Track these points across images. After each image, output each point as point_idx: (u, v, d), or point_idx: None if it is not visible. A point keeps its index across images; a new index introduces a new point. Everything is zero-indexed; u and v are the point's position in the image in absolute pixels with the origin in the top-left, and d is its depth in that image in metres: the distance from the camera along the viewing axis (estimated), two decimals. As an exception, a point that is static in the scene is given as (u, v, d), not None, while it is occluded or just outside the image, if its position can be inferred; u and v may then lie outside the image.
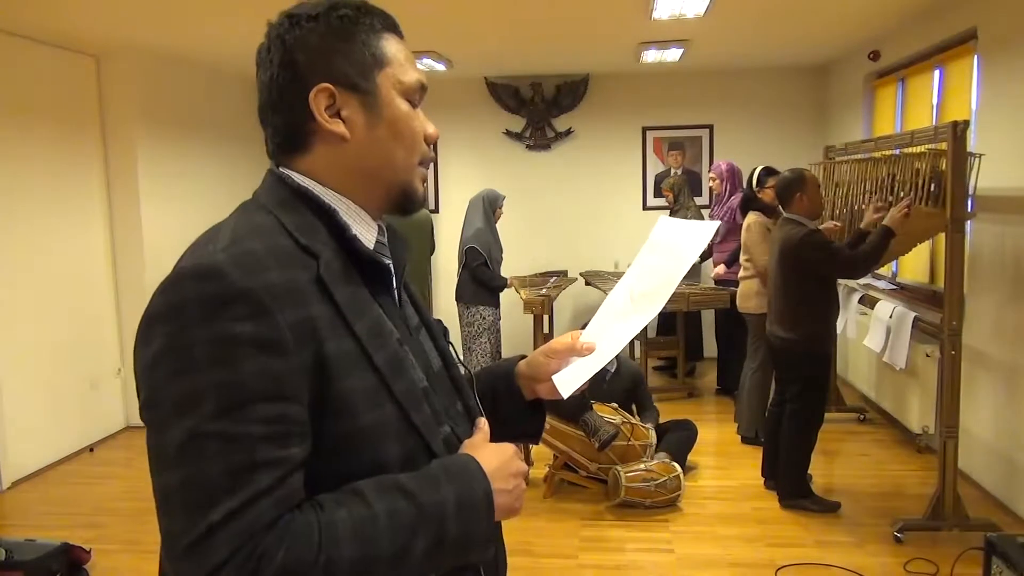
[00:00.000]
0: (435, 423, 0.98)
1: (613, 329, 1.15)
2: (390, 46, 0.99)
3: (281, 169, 0.99)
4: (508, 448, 1.00)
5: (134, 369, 0.89)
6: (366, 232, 1.00)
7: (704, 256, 5.93)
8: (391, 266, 1.03)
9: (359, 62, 0.96)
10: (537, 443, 1.33)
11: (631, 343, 5.41)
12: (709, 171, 5.63)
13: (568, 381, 1.12)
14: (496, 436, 1.05)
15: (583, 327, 1.19)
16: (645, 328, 5.89)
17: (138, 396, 0.89)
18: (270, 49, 0.96)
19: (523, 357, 1.21)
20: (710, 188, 6.08)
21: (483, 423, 1.06)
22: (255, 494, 0.79)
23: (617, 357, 4.53)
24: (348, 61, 0.95)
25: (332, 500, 0.85)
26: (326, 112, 0.94)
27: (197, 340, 0.81)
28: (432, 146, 1.04)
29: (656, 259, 1.19)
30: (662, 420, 4.48)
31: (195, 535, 0.78)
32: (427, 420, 0.96)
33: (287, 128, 0.97)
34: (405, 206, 1.03)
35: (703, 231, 1.18)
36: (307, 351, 0.85)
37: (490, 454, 0.97)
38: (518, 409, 1.19)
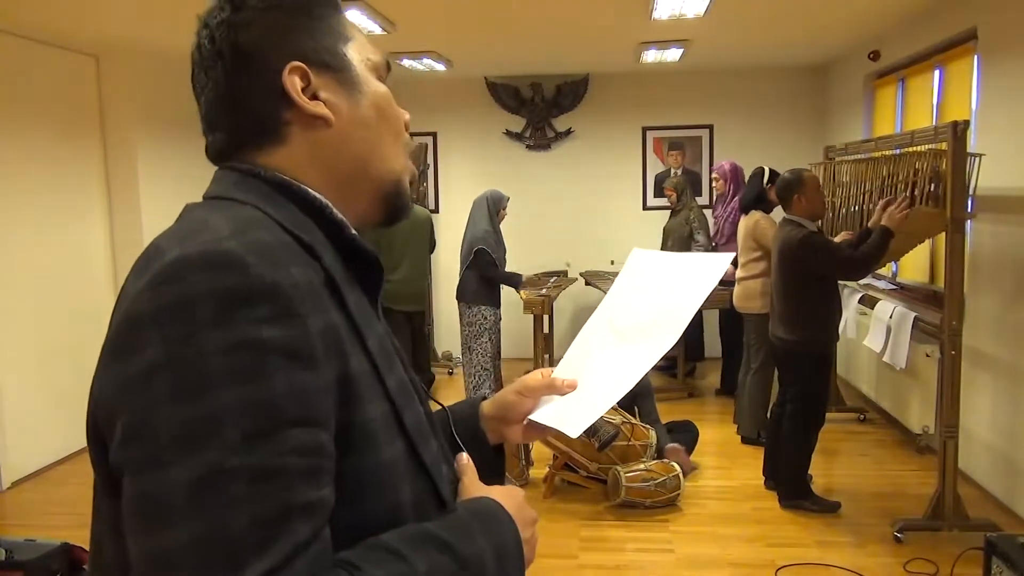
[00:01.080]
0: (440, 461, 0.85)
1: (600, 364, 1.04)
2: (345, 20, 0.86)
3: (247, 164, 0.80)
4: (519, 493, 0.89)
5: (100, 393, 0.68)
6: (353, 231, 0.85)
7: None
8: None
9: (323, 37, 0.82)
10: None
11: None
12: (712, 171, 5.62)
13: (560, 419, 1.00)
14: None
15: (554, 364, 1.08)
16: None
17: (96, 428, 0.69)
18: (214, 39, 0.79)
19: (484, 398, 1.06)
20: (712, 188, 6.08)
21: (465, 458, 0.92)
22: (292, 551, 0.62)
23: None
24: (313, 37, 0.81)
25: (363, 559, 0.68)
26: (303, 93, 0.79)
27: (211, 347, 0.62)
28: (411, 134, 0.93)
29: (645, 295, 1.08)
30: (664, 422, 4.48)
31: None
32: (435, 459, 0.82)
33: (251, 124, 0.80)
34: (396, 207, 0.87)
35: (715, 265, 1.05)
36: (333, 367, 0.69)
37: (503, 497, 0.85)
38: (481, 455, 1.00)
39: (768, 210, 4.75)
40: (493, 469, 1.03)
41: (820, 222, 4.01)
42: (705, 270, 1.06)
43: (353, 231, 0.82)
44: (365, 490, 0.73)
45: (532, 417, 1.02)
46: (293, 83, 0.78)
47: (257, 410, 0.62)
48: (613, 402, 1.00)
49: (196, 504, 0.60)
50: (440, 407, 1.03)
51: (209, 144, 0.83)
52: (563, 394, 1.02)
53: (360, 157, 0.83)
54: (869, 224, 3.82)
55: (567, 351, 1.09)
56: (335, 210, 0.81)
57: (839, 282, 3.89)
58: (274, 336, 0.64)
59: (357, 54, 0.84)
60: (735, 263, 4.81)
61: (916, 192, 3.63)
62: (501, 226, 5.31)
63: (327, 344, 0.69)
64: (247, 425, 0.62)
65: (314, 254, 0.75)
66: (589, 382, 1.03)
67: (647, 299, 1.07)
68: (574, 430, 0.97)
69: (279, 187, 0.79)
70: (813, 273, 3.70)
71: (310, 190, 0.80)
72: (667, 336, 1.02)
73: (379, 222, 0.88)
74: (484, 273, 5.06)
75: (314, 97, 0.80)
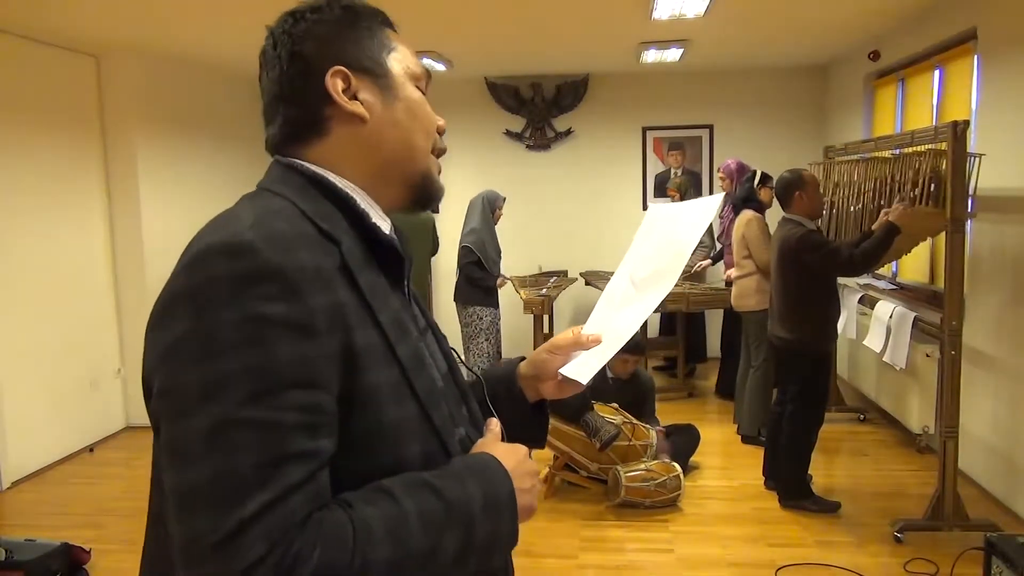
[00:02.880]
0: (452, 424, 0.95)
1: (620, 316, 1.12)
2: (391, 34, 1.00)
3: (288, 158, 0.96)
4: (521, 448, 0.98)
5: (146, 358, 0.83)
6: (381, 224, 0.97)
7: (716, 258, 5.92)
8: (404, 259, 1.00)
9: (368, 47, 0.96)
10: (542, 447, 1.28)
11: (645, 355, 5.39)
12: (719, 170, 5.62)
13: (581, 370, 1.09)
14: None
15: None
16: (646, 328, 5.90)
17: (148, 386, 0.84)
18: (276, 46, 0.95)
19: (522, 359, 1.18)
20: (719, 187, 6.07)
21: (495, 423, 1.03)
22: (288, 488, 0.74)
23: (637, 368, 4.50)
24: (358, 47, 0.95)
25: (360, 498, 0.80)
26: (343, 94, 0.93)
27: (225, 321, 0.75)
28: (443, 138, 1.03)
29: (655, 243, 1.17)
30: (664, 424, 4.48)
31: (224, 532, 0.72)
32: (445, 421, 0.93)
33: (301, 117, 0.94)
34: (426, 195, 1.00)
35: (706, 206, 1.16)
36: (336, 339, 0.81)
37: (506, 453, 0.95)
38: (521, 413, 1.14)
39: (759, 210, 4.78)
40: (534, 425, 1.17)
41: (819, 221, 4.02)
42: (699, 212, 1.16)
43: (374, 220, 0.94)
44: (371, 444, 0.84)
45: (561, 371, 1.11)
46: (335, 84, 0.92)
47: (260, 373, 0.75)
48: (614, 351, 1.09)
49: (210, 448, 0.74)
50: (475, 375, 1.15)
51: (267, 138, 0.98)
52: (588, 348, 1.11)
53: (391, 152, 0.96)
54: (873, 227, 3.81)
55: (594, 310, 1.17)
56: (359, 202, 0.93)
57: (839, 281, 3.89)
58: (278, 311, 0.77)
59: (398, 64, 0.98)
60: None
61: (916, 192, 3.63)
62: (499, 226, 5.32)
63: (330, 319, 0.80)
64: (251, 385, 0.75)
65: (333, 240, 0.87)
66: (609, 333, 1.11)
67: (656, 249, 1.16)
68: (584, 377, 1.08)
69: (312, 180, 0.92)
70: (812, 272, 3.70)
71: (339, 184, 0.93)
72: (668, 278, 1.10)
73: (410, 207, 1.01)
74: (466, 272, 5.07)
75: (354, 98, 0.93)
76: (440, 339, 1.07)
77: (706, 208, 1.16)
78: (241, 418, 0.74)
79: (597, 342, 1.11)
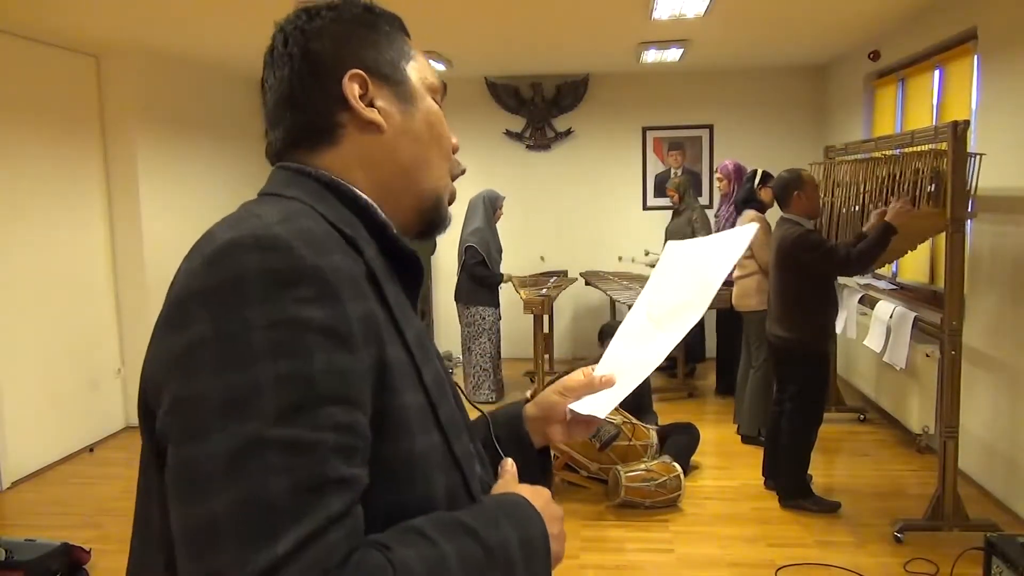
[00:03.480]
0: (471, 458, 0.87)
1: (637, 352, 1.06)
2: (408, 42, 0.93)
3: (298, 164, 0.86)
4: (545, 491, 0.91)
5: (149, 365, 0.72)
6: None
7: None
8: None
9: (387, 52, 0.88)
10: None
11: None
12: (716, 171, 5.64)
13: (594, 406, 1.02)
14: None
15: (596, 361, 1.11)
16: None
17: (148, 398, 0.73)
18: (287, 42, 0.86)
19: (527, 400, 1.08)
20: (717, 188, 6.08)
21: (510, 463, 0.95)
22: (326, 521, 0.64)
23: None
24: (377, 50, 0.87)
25: (394, 540, 0.70)
26: (360, 100, 0.85)
27: (254, 323, 0.65)
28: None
29: (678, 279, 1.12)
30: (664, 423, 4.48)
31: (254, 572, 0.61)
32: (467, 454, 0.85)
33: (310, 122, 0.85)
34: (433, 223, 0.92)
35: (738, 239, 1.09)
36: (371, 352, 0.72)
37: (531, 496, 0.87)
38: (526, 458, 1.03)
39: (760, 210, 4.80)
40: (539, 470, 1.06)
41: (816, 221, 4.02)
42: (731, 243, 1.10)
43: (395, 230, 0.85)
44: (400, 477, 0.75)
45: (571, 407, 1.04)
46: (352, 89, 0.84)
47: (296, 384, 0.65)
48: (631, 388, 1.02)
49: (235, 472, 0.63)
50: (481, 413, 1.05)
51: (268, 143, 0.89)
52: (601, 389, 1.04)
53: (406, 167, 0.88)
54: (864, 229, 3.83)
55: (607, 349, 1.10)
56: (379, 211, 0.85)
57: (838, 280, 3.89)
58: (316, 316, 0.67)
59: (416, 73, 0.90)
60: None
61: (916, 192, 3.63)
62: (499, 226, 5.32)
63: (366, 330, 0.72)
64: (286, 398, 0.64)
65: (357, 248, 0.78)
66: (625, 372, 1.05)
67: (680, 283, 1.11)
68: (602, 412, 1.01)
69: (328, 186, 0.83)
70: (809, 271, 3.71)
71: (357, 190, 0.84)
72: (696, 310, 1.04)
73: (416, 233, 0.92)
74: (471, 272, 5.07)
75: (370, 104, 0.85)
76: (442, 364, 0.95)
77: (738, 240, 1.09)
78: (272, 437, 0.63)
79: (610, 384, 1.03)
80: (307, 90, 0.85)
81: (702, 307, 1.04)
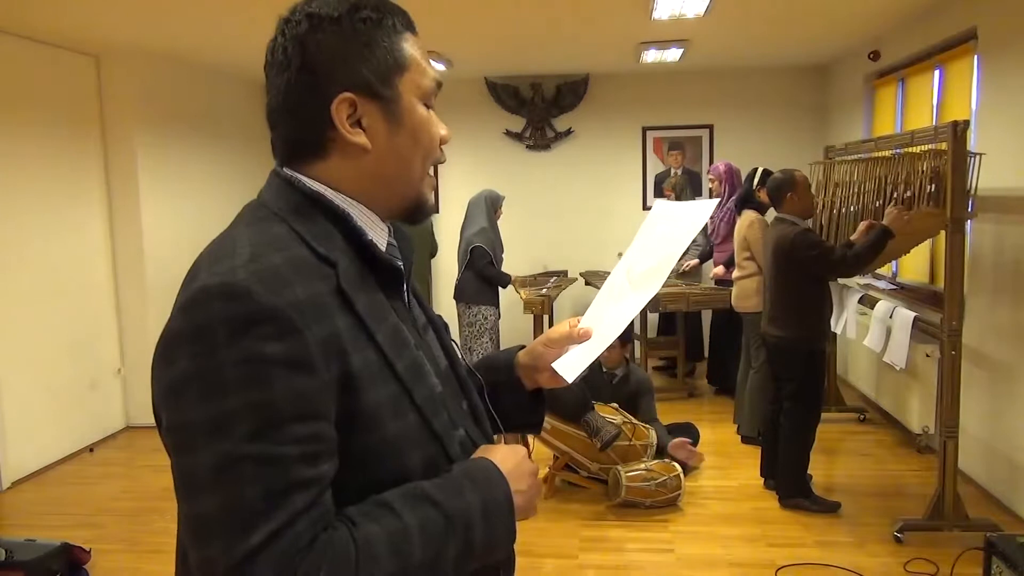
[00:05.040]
0: (452, 428, 0.98)
1: (612, 311, 1.14)
2: (409, 47, 0.96)
3: (288, 171, 0.96)
4: (520, 449, 1.02)
5: (154, 390, 0.86)
6: (378, 236, 0.98)
7: (704, 257, 5.95)
8: (403, 268, 1.02)
9: (381, 68, 0.93)
10: (538, 433, 1.33)
11: (633, 344, 5.41)
12: (708, 172, 5.65)
13: (570, 367, 1.12)
14: (493, 426, 1.09)
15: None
16: (645, 328, 5.91)
17: (157, 415, 0.87)
18: (287, 50, 0.92)
19: (522, 347, 1.21)
20: (710, 189, 6.09)
21: (498, 439, 1.08)
22: (293, 515, 0.79)
23: (627, 363, 4.54)
24: (370, 68, 0.92)
25: (363, 515, 0.85)
26: (347, 122, 0.92)
27: (226, 361, 0.79)
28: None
29: (654, 240, 1.19)
30: (664, 423, 4.47)
31: (235, 559, 0.77)
32: (445, 426, 0.96)
33: (302, 134, 0.94)
34: (415, 216, 1.02)
35: (702, 209, 1.18)
36: (334, 367, 0.84)
37: (505, 456, 0.98)
38: (520, 400, 1.19)
39: (760, 210, 4.79)
40: (532, 412, 1.21)
41: (810, 221, 4.05)
42: (693, 214, 1.18)
43: (370, 237, 0.96)
44: (374, 460, 0.88)
45: (553, 365, 1.13)
46: (340, 115, 0.91)
47: (262, 410, 0.79)
48: (602, 348, 1.11)
49: (217, 481, 0.78)
50: (474, 374, 1.15)
51: (271, 141, 0.98)
52: (579, 342, 1.13)
53: (388, 179, 0.97)
54: (852, 238, 3.88)
55: (592, 304, 1.19)
56: (355, 219, 0.95)
57: (840, 281, 3.90)
58: (276, 350, 0.80)
59: (409, 83, 0.95)
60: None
61: (916, 192, 3.63)
62: (500, 226, 5.32)
63: (326, 350, 0.83)
64: (254, 422, 0.78)
65: (329, 262, 0.89)
66: (599, 330, 1.13)
67: (654, 246, 1.18)
68: (570, 376, 1.11)
69: (311, 199, 0.93)
70: (806, 270, 3.73)
71: (336, 201, 0.94)
72: (655, 281, 1.13)
73: (399, 220, 1.03)
74: (481, 272, 5.06)
75: (358, 123, 0.93)
76: (441, 333, 1.10)
77: (701, 212, 1.17)
78: (246, 453, 0.78)
79: (587, 336, 1.13)
80: (301, 105, 0.92)
81: (662, 276, 1.12)
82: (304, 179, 0.94)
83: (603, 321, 1.14)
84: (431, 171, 1.02)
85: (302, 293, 0.83)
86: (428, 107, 0.99)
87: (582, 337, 1.13)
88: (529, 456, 1.03)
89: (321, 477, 0.82)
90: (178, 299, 0.85)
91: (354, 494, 0.86)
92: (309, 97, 0.91)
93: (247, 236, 0.89)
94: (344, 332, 0.86)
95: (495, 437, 1.09)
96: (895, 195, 3.83)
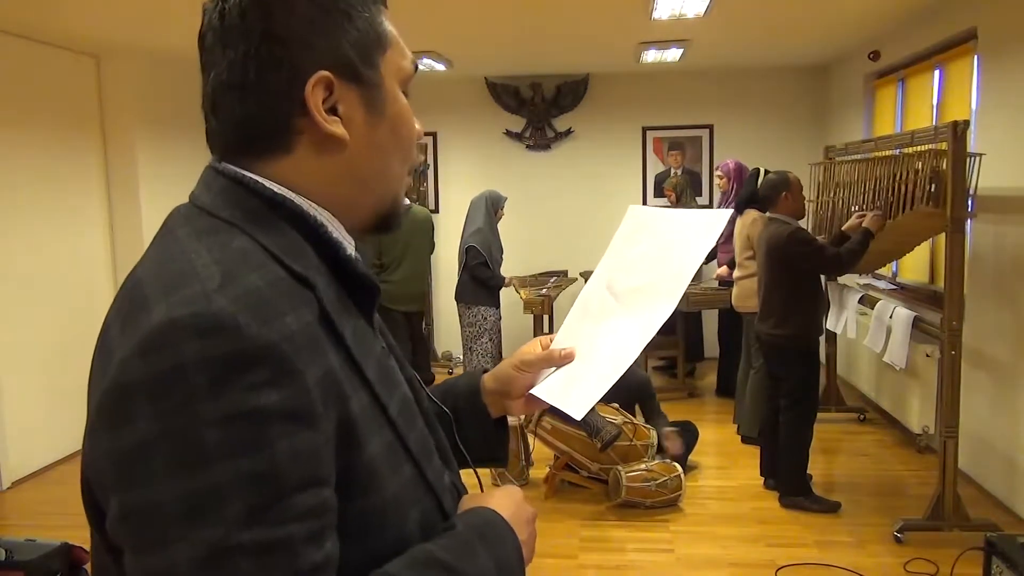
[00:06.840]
0: (441, 475, 0.84)
1: (604, 335, 0.98)
2: (387, 21, 0.79)
3: (234, 168, 0.74)
4: (517, 492, 0.88)
5: (91, 463, 0.65)
6: (351, 249, 0.80)
7: (708, 257, 5.92)
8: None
9: (364, 42, 0.75)
10: (504, 466, 1.12)
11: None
12: (717, 169, 5.63)
13: (564, 396, 0.95)
14: (459, 461, 0.94)
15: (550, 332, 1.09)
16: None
17: (96, 499, 0.67)
18: (245, 13, 0.71)
19: (485, 371, 1.04)
20: (717, 186, 6.07)
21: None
22: None
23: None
24: (351, 40, 0.74)
25: None
26: (323, 105, 0.73)
27: (208, 419, 0.59)
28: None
29: (643, 251, 1.03)
30: (664, 423, 4.48)
31: None
32: (437, 474, 0.82)
33: (261, 122, 0.73)
34: (389, 223, 0.83)
35: (713, 221, 1.00)
36: (333, 414, 0.67)
37: (502, 502, 0.84)
38: (486, 430, 1.01)
39: (763, 209, 4.78)
40: (496, 443, 1.03)
41: (801, 221, 4.09)
42: (703, 227, 1.00)
43: (349, 251, 0.78)
44: (374, 528, 0.71)
45: (534, 392, 0.98)
46: (316, 98, 0.72)
47: (260, 482, 0.60)
48: (615, 379, 0.93)
49: None
50: (440, 407, 0.98)
51: (210, 130, 0.76)
52: (561, 366, 0.98)
53: (364, 179, 0.78)
54: (844, 228, 4.04)
55: (566, 317, 1.04)
56: (331, 230, 0.76)
57: (840, 281, 3.91)
58: (273, 401, 0.61)
59: (391, 65, 0.78)
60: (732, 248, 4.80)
61: (916, 192, 3.63)
62: (500, 226, 5.32)
63: (326, 392, 0.66)
64: (250, 498, 0.59)
65: (308, 283, 0.70)
66: (589, 353, 0.97)
67: (645, 259, 1.02)
68: (578, 412, 0.92)
69: (271, 203, 0.73)
70: (800, 268, 3.80)
71: (306, 207, 0.74)
72: (667, 301, 0.96)
73: (369, 232, 0.84)
74: (473, 273, 5.06)
75: (333, 110, 0.74)
76: (400, 359, 0.88)
77: (713, 223, 0.99)
78: (239, 542, 0.59)
79: (570, 358, 0.97)
80: (262, 84, 0.71)
81: (674, 298, 0.95)
82: (259, 178, 0.73)
83: (592, 343, 0.98)
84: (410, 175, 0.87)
85: (295, 324, 0.65)
86: (406, 95, 0.81)
87: (565, 359, 0.97)
88: (525, 456, 0.94)
89: (329, 560, 0.64)
90: (119, 340, 0.64)
91: (352, 568, 0.67)
92: (275, 73, 0.71)
93: (205, 251, 0.67)
94: (339, 371, 0.68)
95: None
96: (892, 196, 3.84)
